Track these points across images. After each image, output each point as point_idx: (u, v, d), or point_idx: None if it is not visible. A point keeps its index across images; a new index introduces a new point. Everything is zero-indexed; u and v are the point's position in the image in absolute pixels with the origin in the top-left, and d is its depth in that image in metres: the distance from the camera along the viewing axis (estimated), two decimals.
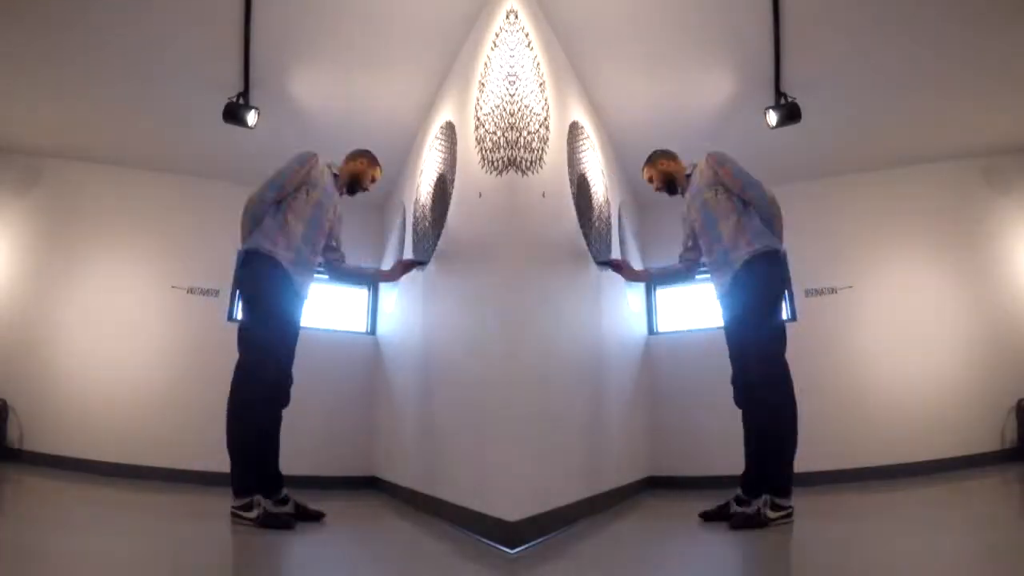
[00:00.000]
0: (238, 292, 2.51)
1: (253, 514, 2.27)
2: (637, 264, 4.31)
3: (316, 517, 2.54)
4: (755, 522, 2.28)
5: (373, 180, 2.93)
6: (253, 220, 2.54)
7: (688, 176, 2.84)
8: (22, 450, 4.02)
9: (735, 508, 2.47)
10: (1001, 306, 4.20)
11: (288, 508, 2.48)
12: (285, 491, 2.51)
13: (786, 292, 2.56)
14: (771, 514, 2.30)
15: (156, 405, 4.14)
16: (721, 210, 2.62)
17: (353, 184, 2.85)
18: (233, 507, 2.32)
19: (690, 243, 2.87)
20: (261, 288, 2.47)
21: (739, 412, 2.56)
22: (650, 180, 2.98)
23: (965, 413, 4.00)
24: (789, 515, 2.34)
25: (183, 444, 4.03)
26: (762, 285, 2.50)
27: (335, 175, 2.80)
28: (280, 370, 2.48)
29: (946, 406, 4.03)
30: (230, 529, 2.21)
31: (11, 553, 1.63)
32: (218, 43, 3.39)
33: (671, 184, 2.91)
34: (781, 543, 2.06)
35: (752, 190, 2.58)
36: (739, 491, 2.49)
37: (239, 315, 2.50)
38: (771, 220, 2.58)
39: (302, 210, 2.57)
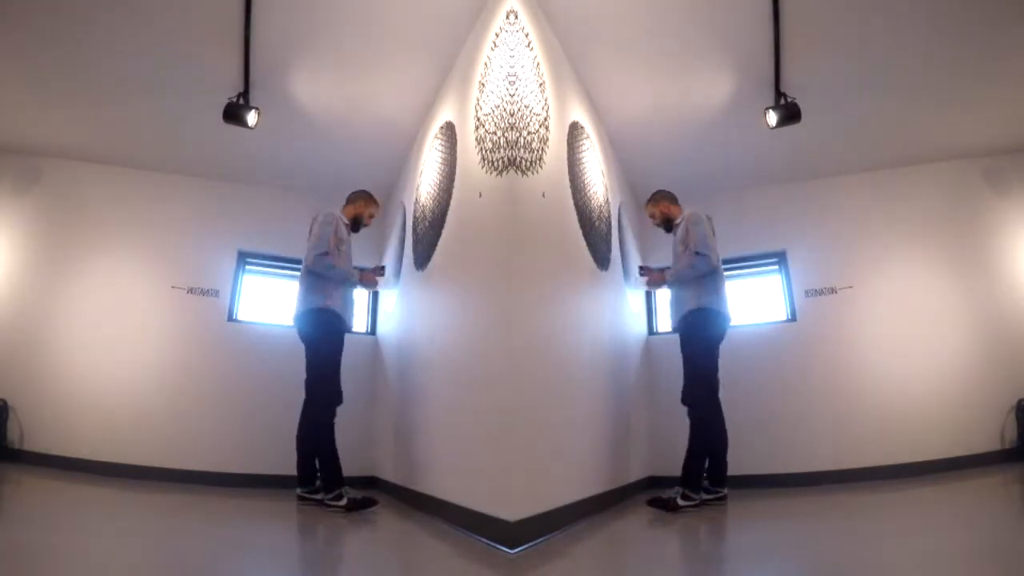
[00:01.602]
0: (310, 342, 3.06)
1: (343, 502, 2.86)
2: (636, 263, 4.33)
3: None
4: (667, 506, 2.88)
5: (371, 216, 3.53)
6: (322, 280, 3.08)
7: (677, 224, 3.33)
8: (22, 450, 4.02)
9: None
10: (1001, 306, 4.20)
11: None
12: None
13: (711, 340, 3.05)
14: (680, 502, 2.88)
15: (156, 405, 4.15)
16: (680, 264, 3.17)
17: (356, 223, 3.47)
18: (327, 499, 2.91)
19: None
20: (330, 341, 3.07)
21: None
22: (652, 216, 3.52)
23: (965, 413, 4.00)
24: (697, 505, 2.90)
25: (183, 444, 4.04)
26: (692, 337, 3.09)
27: (345, 224, 3.28)
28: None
29: (946, 406, 4.03)
30: (223, 528, 2.21)
31: (11, 553, 1.63)
32: (218, 43, 3.39)
33: (668, 224, 3.46)
34: (779, 543, 2.06)
35: (698, 252, 3.05)
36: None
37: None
38: (702, 281, 3.09)
39: (343, 263, 3.16)
